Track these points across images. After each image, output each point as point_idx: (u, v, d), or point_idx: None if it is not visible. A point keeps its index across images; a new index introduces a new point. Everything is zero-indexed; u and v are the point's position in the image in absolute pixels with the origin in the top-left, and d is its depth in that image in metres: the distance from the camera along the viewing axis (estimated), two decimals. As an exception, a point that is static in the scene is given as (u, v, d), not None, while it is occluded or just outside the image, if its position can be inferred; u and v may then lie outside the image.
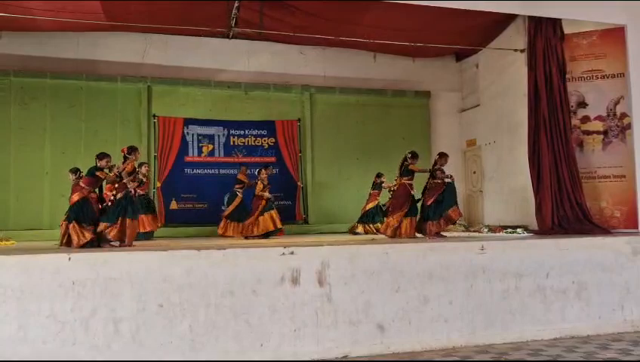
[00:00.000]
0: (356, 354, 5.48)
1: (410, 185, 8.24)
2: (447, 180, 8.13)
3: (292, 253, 5.49)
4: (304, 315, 5.41)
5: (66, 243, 6.59)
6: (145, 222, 9.10)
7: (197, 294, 5.16)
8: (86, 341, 4.84)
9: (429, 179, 8.27)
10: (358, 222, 10.81)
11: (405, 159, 8.26)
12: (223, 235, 9.84)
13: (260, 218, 9.44)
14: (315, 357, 5.36)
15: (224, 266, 5.30)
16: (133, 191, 7.05)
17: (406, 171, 8.23)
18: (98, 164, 6.80)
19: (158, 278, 5.09)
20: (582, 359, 5.26)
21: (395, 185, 9.12)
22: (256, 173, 10.11)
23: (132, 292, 5.00)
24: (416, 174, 8.30)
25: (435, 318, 5.82)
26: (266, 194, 9.55)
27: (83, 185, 6.74)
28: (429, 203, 8.08)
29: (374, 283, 5.68)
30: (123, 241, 6.73)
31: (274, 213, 9.58)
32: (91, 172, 6.77)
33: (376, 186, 10.86)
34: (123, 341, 4.92)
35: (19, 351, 4.70)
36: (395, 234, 8.11)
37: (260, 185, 9.57)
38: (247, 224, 9.47)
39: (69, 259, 4.96)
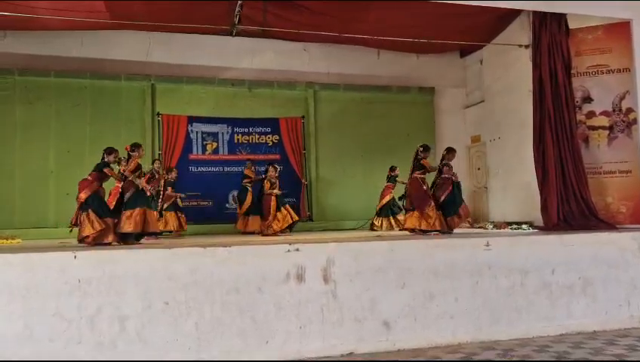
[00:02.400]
0: (362, 350, 5.48)
1: (423, 179, 8.15)
2: (455, 179, 8.14)
3: (297, 250, 5.48)
4: (309, 312, 5.41)
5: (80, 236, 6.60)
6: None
7: (202, 292, 5.16)
8: (92, 339, 4.85)
9: (437, 175, 8.25)
10: (377, 215, 10.76)
11: (417, 153, 8.18)
12: (244, 232, 9.88)
13: (278, 214, 9.47)
14: (321, 354, 5.36)
15: (229, 264, 5.30)
16: (142, 188, 7.12)
17: (418, 165, 8.16)
18: (106, 159, 6.85)
19: (164, 276, 5.10)
20: (589, 355, 5.24)
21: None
22: (262, 170, 10.17)
23: (137, 290, 5.01)
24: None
25: (440, 315, 5.81)
26: (275, 191, 9.57)
27: (92, 180, 6.75)
28: (442, 199, 8.03)
29: (379, 280, 5.67)
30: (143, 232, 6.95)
31: (288, 206, 9.68)
32: (100, 167, 6.80)
33: (391, 179, 10.85)
34: (128, 339, 4.93)
35: (25, 349, 4.71)
36: (429, 227, 7.86)
37: (267, 184, 9.58)
38: (267, 224, 9.46)
39: (75, 257, 4.97)
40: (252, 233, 9.84)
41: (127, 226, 6.75)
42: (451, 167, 8.21)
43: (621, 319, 6.42)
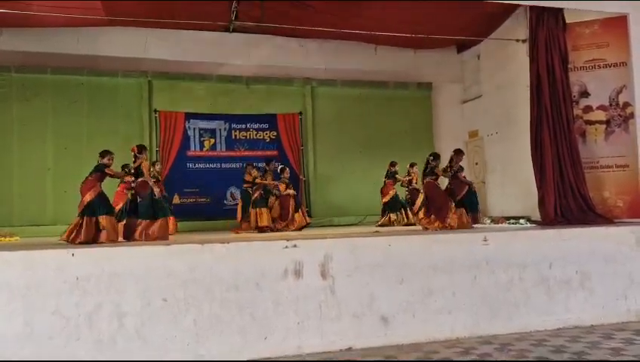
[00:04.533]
0: (360, 346, 5.49)
1: (436, 181, 8.26)
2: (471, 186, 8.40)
3: (295, 246, 5.49)
4: (308, 308, 5.42)
5: (74, 237, 6.61)
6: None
7: (201, 288, 5.17)
8: (91, 336, 4.86)
9: (450, 179, 8.35)
10: (387, 212, 10.68)
11: (428, 162, 8.28)
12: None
13: (296, 215, 9.62)
14: (320, 350, 5.37)
15: (228, 260, 5.31)
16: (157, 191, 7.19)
17: (431, 172, 8.24)
18: (101, 162, 6.90)
19: (162, 273, 5.10)
20: (586, 349, 5.26)
21: (407, 178, 10.06)
22: (260, 166, 10.29)
23: (136, 288, 5.01)
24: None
25: (438, 310, 5.83)
26: (292, 192, 9.73)
27: (95, 181, 6.80)
28: (459, 197, 8.16)
29: (378, 276, 5.68)
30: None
31: (304, 208, 10.01)
32: (100, 169, 6.86)
33: (391, 175, 10.83)
34: (127, 336, 4.94)
35: (25, 347, 4.72)
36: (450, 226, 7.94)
37: (282, 186, 9.69)
38: (286, 224, 9.64)
39: (73, 255, 4.97)
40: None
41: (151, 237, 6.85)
42: (463, 170, 8.40)
43: (618, 313, 6.44)
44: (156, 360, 4.95)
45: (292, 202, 9.70)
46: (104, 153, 6.97)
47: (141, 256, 5.19)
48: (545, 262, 6.28)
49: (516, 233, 6.75)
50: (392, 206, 10.65)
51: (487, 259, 6.08)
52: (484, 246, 6.12)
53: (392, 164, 10.89)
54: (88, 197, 6.64)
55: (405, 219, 10.44)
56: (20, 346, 4.71)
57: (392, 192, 10.71)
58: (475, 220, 8.25)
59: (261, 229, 9.44)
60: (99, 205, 6.64)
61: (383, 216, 10.70)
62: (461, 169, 8.38)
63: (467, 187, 8.32)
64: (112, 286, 4.96)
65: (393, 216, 10.55)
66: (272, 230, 9.46)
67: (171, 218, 9.44)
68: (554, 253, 6.33)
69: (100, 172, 6.84)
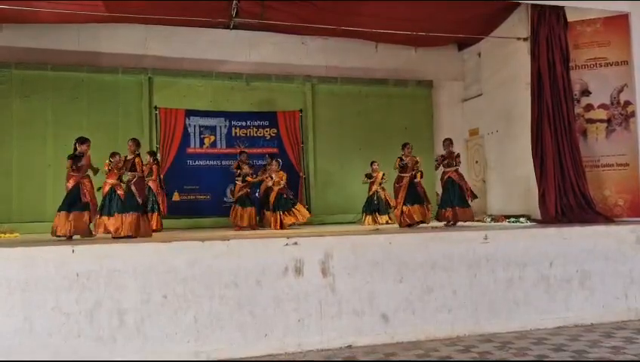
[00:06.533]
0: (360, 343, 5.50)
1: (400, 177, 8.68)
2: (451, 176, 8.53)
3: (295, 243, 5.49)
4: (308, 306, 5.43)
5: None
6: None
7: (201, 285, 5.17)
8: (91, 333, 4.86)
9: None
10: (363, 212, 10.97)
11: None
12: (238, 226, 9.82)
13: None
14: (320, 347, 5.37)
15: (228, 257, 5.31)
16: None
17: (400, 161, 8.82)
18: (78, 148, 6.90)
19: (162, 270, 5.10)
20: (586, 347, 5.26)
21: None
22: (260, 163, 10.29)
23: (136, 284, 5.01)
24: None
25: (438, 308, 5.83)
26: (271, 185, 9.66)
27: (71, 171, 6.88)
28: (441, 192, 8.66)
29: (378, 274, 5.68)
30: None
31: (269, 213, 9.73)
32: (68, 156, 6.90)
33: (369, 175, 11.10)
34: (128, 332, 4.94)
35: (24, 343, 4.72)
36: (401, 222, 8.46)
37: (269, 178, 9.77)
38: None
39: (73, 251, 4.97)
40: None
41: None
42: (448, 157, 8.64)
43: (618, 311, 6.45)
44: (156, 360, 4.95)
45: (272, 197, 9.61)
46: (80, 140, 6.96)
47: (141, 252, 5.19)
48: (545, 260, 6.28)
49: (516, 231, 6.76)
50: (366, 207, 10.88)
51: (488, 257, 6.09)
52: (484, 244, 6.12)
53: (370, 164, 10.99)
54: (68, 186, 6.81)
55: (373, 222, 10.55)
56: (20, 342, 4.71)
57: (370, 192, 10.87)
58: (459, 215, 8.36)
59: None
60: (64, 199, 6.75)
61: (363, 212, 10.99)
62: (442, 158, 8.74)
63: (447, 180, 8.60)
64: (112, 282, 4.97)
65: (366, 218, 10.76)
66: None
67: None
68: (554, 252, 6.34)
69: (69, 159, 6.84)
